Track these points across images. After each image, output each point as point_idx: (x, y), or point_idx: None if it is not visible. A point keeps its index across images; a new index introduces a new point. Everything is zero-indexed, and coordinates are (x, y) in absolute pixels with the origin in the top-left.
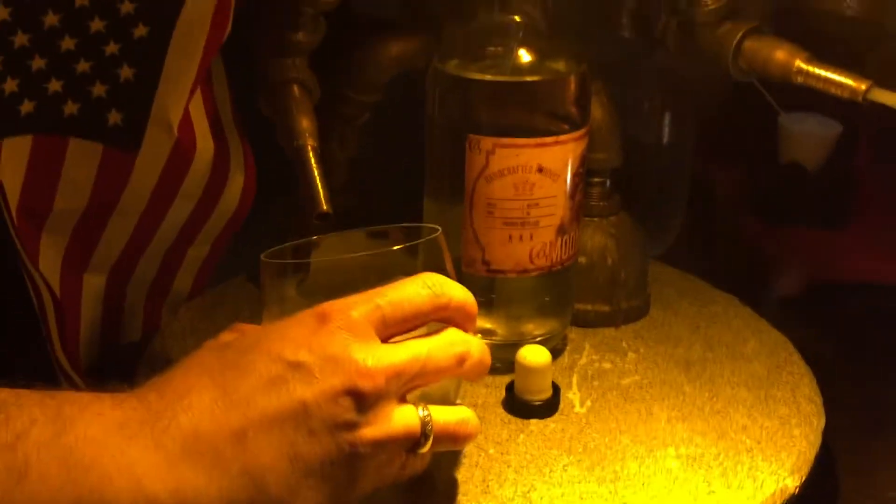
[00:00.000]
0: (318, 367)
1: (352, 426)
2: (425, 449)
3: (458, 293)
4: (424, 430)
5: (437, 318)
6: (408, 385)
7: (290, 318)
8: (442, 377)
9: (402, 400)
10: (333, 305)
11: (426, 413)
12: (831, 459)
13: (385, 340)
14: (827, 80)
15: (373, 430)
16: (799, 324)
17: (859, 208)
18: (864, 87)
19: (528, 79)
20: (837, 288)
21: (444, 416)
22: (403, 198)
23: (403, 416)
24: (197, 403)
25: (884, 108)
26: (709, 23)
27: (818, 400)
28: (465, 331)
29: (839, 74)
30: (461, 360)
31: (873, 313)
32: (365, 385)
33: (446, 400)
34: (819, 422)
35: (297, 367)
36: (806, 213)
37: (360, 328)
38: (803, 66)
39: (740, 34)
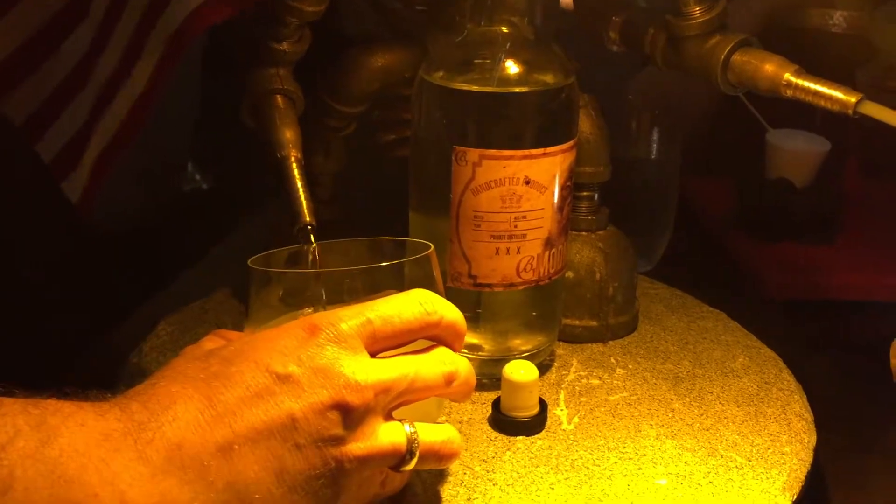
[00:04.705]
0: (306, 379)
1: (339, 441)
2: (410, 466)
3: (449, 312)
4: (410, 448)
5: (426, 336)
6: (395, 401)
7: (277, 329)
8: (429, 395)
9: (388, 416)
10: (323, 317)
11: (412, 430)
12: (822, 477)
13: (373, 355)
14: (817, 93)
15: (359, 445)
16: (787, 340)
17: (847, 225)
18: (854, 100)
19: (515, 90)
20: (825, 304)
21: (430, 434)
22: (388, 210)
23: (390, 433)
24: (182, 415)
25: (871, 125)
26: (697, 36)
27: (809, 417)
28: (454, 350)
29: (829, 87)
30: (449, 380)
31: (862, 329)
32: (353, 399)
33: (428, 419)
34: (810, 439)
35: (285, 379)
36: (793, 230)
37: (350, 341)
38: (793, 79)
39: (729, 47)
